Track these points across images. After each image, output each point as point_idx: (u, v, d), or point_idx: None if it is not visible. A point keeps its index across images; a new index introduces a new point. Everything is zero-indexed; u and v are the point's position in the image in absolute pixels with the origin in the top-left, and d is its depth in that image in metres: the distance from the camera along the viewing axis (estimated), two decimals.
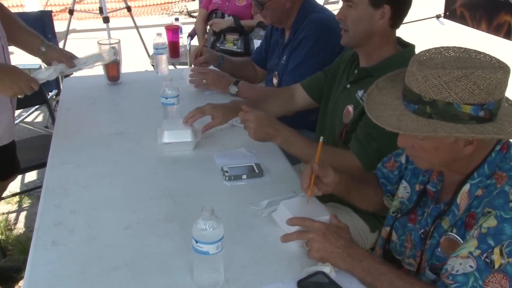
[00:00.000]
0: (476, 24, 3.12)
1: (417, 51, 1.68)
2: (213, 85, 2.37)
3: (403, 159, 1.45)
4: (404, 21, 1.74)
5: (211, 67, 2.52)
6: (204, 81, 2.38)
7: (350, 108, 1.76)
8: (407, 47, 1.74)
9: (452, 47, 1.15)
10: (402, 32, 1.76)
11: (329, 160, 1.57)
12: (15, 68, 1.79)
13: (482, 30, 3.08)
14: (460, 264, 1.09)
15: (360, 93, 1.72)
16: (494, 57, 1.11)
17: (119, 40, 2.42)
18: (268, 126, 1.68)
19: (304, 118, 2.21)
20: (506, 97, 1.16)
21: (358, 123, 1.70)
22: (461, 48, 1.14)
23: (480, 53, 1.12)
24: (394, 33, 1.73)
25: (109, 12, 4.49)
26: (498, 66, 1.08)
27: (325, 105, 1.95)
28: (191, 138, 1.80)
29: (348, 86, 1.80)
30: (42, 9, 6.92)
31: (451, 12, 3.36)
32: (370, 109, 1.21)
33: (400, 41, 1.77)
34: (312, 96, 2.03)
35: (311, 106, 2.07)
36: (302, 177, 1.42)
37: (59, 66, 1.87)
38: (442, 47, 1.16)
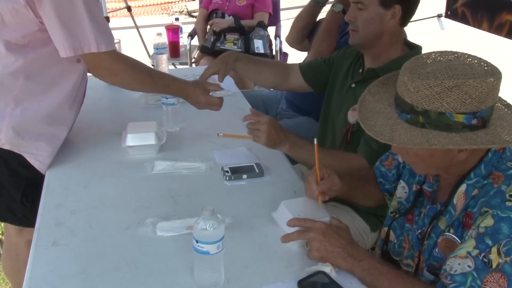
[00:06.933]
0: (477, 24, 3.12)
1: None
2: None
3: (400, 158, 1.45)
4: None
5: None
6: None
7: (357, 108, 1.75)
8: (414, 49, 1.73)
9: (444, 51, 1.15)
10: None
11: (335, 163, 1.59)
12: (197, 87, 1.82)
13: (484, 30, 3.08)
14: (459, 264, 1.09)
15: None
16: (486, 62, 1.11)
17: (119, 40, 2.41)
18: (280, 131, 1.63)
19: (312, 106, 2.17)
20: (499, 97, 1.15)
21: None
22: (453, 52, 1.14)
23: (471, 57, 1.12)
24: (403, 31, 1.73)
25: (109, 12, 4.50)
26: (490, 72, 1.07)
27: (328, 102, 1.94)
28: (154, 141, 1.78)
29: (353, 85, 1.79)
30: None
31: (453, 12, 3.37)
32: (363, 117, 1.21)
33: (407, 43, 1.77)
34: (308, 81, 2.01)
35: (303, 90, 2.05)
36: (306, 186, 1.42)
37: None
38: (434, 52, 1.16)
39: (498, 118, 1.12)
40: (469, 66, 1.09)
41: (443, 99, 1.06)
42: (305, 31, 2.69)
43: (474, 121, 1.07)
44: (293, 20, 2.78)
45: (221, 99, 1.83)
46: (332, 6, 2.37)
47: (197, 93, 1.80)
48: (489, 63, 1.11)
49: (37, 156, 1.67)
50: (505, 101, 1.18)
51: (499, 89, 1.09)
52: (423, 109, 1.08)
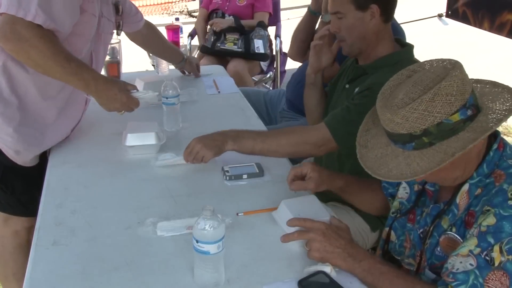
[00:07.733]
0: (478, 23, 3.12)
1: (419, 50, 1.69)
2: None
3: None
4: (405, 21, 1.75)
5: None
6: None
7: None
8: (405, 47, 1.74)
9: (398, 73, 1.19)
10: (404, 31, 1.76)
11: (292, 140, 1.64)
12: (115, 83, 1.71)
13: (485, 29, 3.08)
14: (461, 262, 1.09)
15: (356, 90, 1.73)
16: (437, 60, 1.14)
17: (120, 40, 2.41)
18: (211, 135, 1.63)
19: None
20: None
21: None
22: (406, 70, 1.18)
23: (423, 64, 1.16)
24: (389, 27, 1.74)
25: None
26: (450, 66, 1.10)
27: (328, 105, 1.95)
28: (154, 141, 1.78)
29: (347, 86, 1.81)
30: None
31: (453, 11, 3.36)
32: (373, 171, 1.18)
33: (399, 41, 1.77)
34: None
35: None
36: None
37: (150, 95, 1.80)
38: (390, 80, 1.19)
39: (481, 95, 1.14)
40: (430, 72, 1.12)
41: (431, 112, 1.07)
42: (306, 43, 2.61)
43: (469, 112, 1.08)
44: (293, 19, 2.76)
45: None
46: (321, 17, 2.36)
47: (118, 90, 1.67)
48: (440, 59, 1.14)
49: (5, 141, 1.70)
50: (472, 79, 1.18)
51: (466, 73, 1.11)
52: (421, 130, 1.08)
